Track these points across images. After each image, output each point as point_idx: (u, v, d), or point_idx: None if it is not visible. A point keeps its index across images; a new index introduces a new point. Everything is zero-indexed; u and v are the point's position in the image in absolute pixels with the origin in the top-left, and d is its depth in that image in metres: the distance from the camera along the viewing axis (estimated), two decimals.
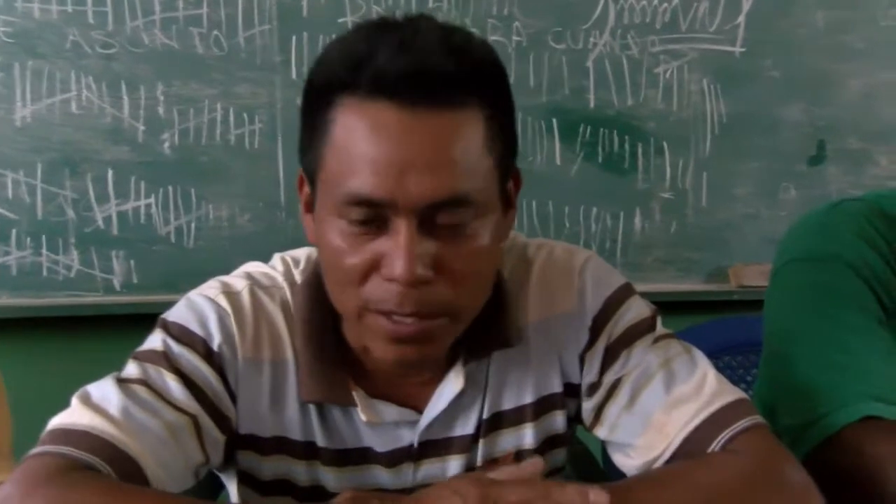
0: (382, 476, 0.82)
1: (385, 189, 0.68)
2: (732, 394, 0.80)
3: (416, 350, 0.73)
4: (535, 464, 0.71)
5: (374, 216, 0.69)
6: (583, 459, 1.12)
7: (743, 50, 2.07)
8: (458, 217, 0.70)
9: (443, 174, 0.68)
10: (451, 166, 0.69)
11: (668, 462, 0.79)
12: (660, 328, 0.86)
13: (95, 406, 0.73)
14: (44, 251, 1.80)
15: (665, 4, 2.02)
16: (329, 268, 0.75)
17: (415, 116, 0.68)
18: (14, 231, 1.78)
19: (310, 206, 0.78)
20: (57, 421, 0.73)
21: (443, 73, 0.68)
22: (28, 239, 1.79)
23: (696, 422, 0.78)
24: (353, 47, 0.70)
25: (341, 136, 0.70)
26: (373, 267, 0.71)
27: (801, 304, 0.94)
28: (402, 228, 0.68)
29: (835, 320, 0.90)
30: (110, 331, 1.77)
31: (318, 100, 0.72)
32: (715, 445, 0.77)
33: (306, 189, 0.78)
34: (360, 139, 0.68)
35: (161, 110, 1.82)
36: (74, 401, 0.74)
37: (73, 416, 0.73)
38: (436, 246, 0.70)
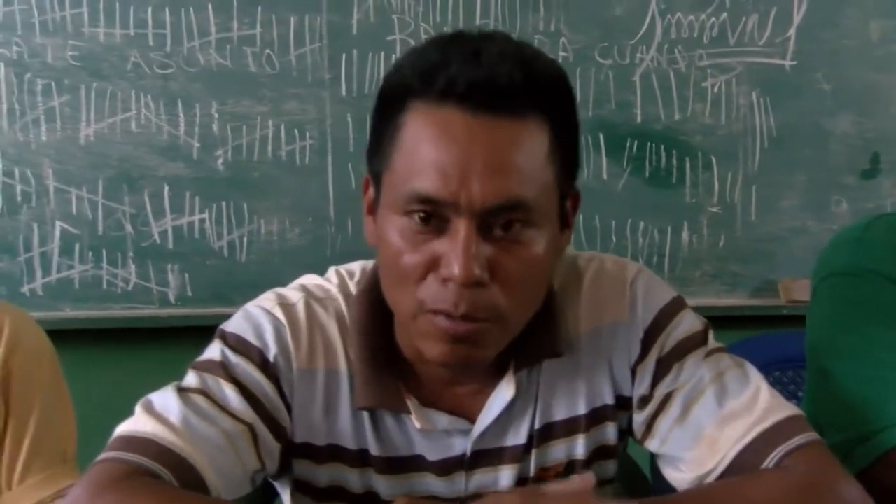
0: (434, 484, 0.83)
1: (448, 190, 0.70)
2: (787, 409, 0.80)
3: (465, 350, 0.74)
4: (586, 479, 0.72)
5: (434, 216, 0.71)
6: (628, 472, 1.12)
7: (793, 63, 2.04)
8: (515, 222, 0.72)
9: (504, 179, 0.70)
10: (512, 173, 0.71)
11: (720, 478, 0.78)
12: (712, 342, 0.86)
13: (157, 415, 0.75)
14: (104, 265, 1.86)
15: (713, 19, 2.01)
16: (387, 267, 0.76)
17: (481, 123, 0.70)
18: (77, 245, 1.85)
19: (372, 209, 0.80)
20: (122, 428, 0.76)
21: (511, 84, 0.70)
22: (90, 253, 1.85)
23: (750, 437, 0.78)
24: (426, 57, 0.73)
25: (410, 139, 0.73)
26: (430, 267, 0.72)
27: (841, 320, 0.93)
28: (461, 229, 0.70)
29: (876, 335, 0.90)
30: (166, 342, 1.82)
31: (390, 105, 0.75)
32: (769, 462, 0.76)
33: (371, 192, 0.80)
34: (428, 142, 0.71)
35: (215, 127, 1.87)
36: (138, 409, 0.77)
37: (137, 424, 0.75)
38: (492, 250, 0.72)
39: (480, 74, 0.70)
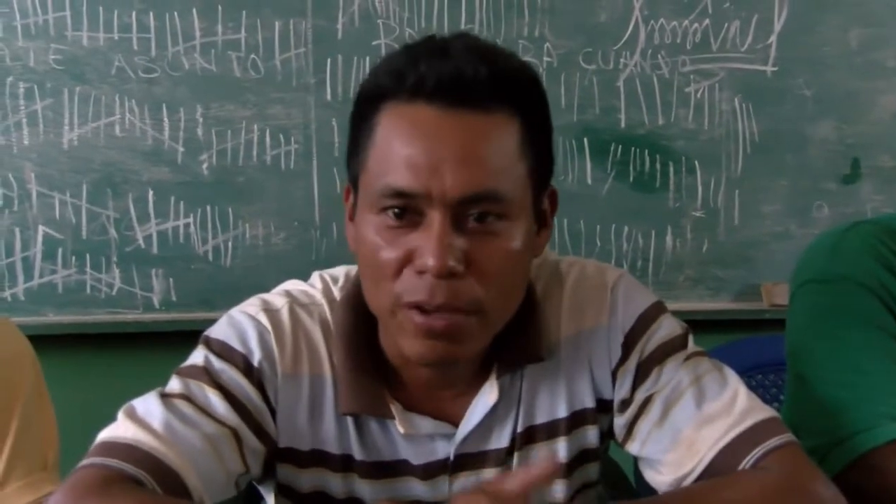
0: (418, 488, 0.84)
1: (419, 182, 0.71)
2: (764, 412, 0.81)
3: (445, 347, 0.75)
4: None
5: (409, 210, 0.72)
6: (612, 475, 1.13)
7: (775, 69, 2.06)
8: (488, 214, 0.73)
9: (475, 170, 0.72)
10: (483, 163, 0.72)
11: (698, 479, 0.79)
12: (691, 346, 0.87)
13: (140, 420, 0.76)
14: (87, 269, 1.85)
15: (696, 25, 2.03)
16: (366, 265, 0.77)
17: (450, 116, 0.72)
18: (60, 250, 1.83)
19: (353, 215, 0.80)
20: (104, 434, 0.76)
21: (477, 78, 0.72)
22: (73, 258, 1.84)
23: (727, 439, 0.79)
24: (398, 60, 0.75)
25: (383, 137, 0.74)
26: (406, 260, 0.73)
27: (817, 326, 0.95)
28: (434, 221, 0.71)
29: (851, 341, 0.92)
30: (150, 347, 1.81)
31: (365, 109, 0.76)
32: (746, 463, 0.77)
33: (352, 198, 0.81)
34: (399, 138, 0.73)
35: (200, 132, 1.87)
36: (120, 415, 0.77)
37: (119, 429, 0.75)
38: (467, 242, 0.73)
39: (448, 70, 0.72)
